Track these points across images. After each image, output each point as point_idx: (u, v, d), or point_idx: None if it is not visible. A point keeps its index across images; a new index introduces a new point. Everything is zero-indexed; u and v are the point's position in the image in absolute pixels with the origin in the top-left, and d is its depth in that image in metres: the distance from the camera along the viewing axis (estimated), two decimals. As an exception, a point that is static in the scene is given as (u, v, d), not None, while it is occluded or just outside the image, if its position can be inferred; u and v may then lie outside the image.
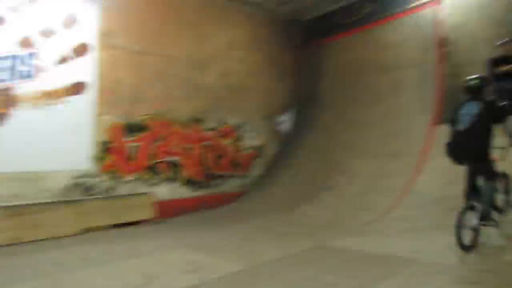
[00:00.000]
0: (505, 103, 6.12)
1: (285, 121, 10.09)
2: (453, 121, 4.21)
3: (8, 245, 5.35)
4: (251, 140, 9.37)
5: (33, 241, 5.60)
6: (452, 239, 3.88)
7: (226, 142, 8.95)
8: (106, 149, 7.08)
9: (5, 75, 6.17)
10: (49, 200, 6.17)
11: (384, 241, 4.97)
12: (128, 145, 7.39)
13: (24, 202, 5.86)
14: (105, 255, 4.95)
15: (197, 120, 8.43)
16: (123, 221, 6.73)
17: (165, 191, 7.77)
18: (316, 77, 9.94)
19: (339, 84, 9.28)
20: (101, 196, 6.83)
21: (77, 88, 6.88)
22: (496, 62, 6.23)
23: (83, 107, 6.89)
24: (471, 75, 7.04)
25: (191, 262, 4.45)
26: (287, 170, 8.92)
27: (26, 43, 6.36)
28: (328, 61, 9.75)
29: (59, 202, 6.20)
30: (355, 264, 4.15)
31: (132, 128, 7.44)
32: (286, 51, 10.28)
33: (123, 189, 7.18)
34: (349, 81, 9.00)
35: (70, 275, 4.12)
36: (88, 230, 6.24)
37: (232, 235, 5.91)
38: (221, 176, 8.75)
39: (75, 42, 6.85)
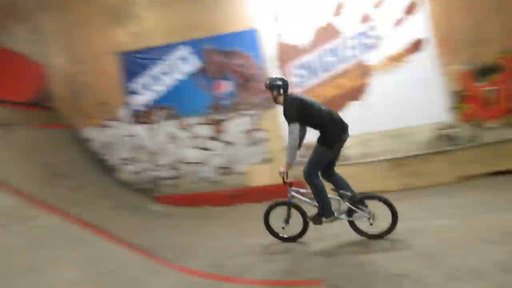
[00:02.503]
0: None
1: None
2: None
3: (399, 190, 6.01)
4: None
5: (415, 188, 6.04)
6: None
7: None
8: (460, 98, 6.83)
9: (357, 51, 7.07)
10: (421, 152, 6.58)
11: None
12: (482, 90, 6.74)
13: (399, 155, 6.42)
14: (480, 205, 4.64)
15: None
16: (497, 170, 6.35)
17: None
18: None
19: None
20: (469, 145, 6.66)
21: (415, 46, 6.98)
22: None
23: (425, 62, 6.93)
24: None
25: None
26: None
27: (365, 18, 7.04)
28: None
29: (431, 153, 6.50)
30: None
31: (482, 72, 6.80)
32: None
33: (488, 137, 6.71)
34: None
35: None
36: (463, 179, 6.28)
37: None
38: None
39: (404, 3, 6.96)
